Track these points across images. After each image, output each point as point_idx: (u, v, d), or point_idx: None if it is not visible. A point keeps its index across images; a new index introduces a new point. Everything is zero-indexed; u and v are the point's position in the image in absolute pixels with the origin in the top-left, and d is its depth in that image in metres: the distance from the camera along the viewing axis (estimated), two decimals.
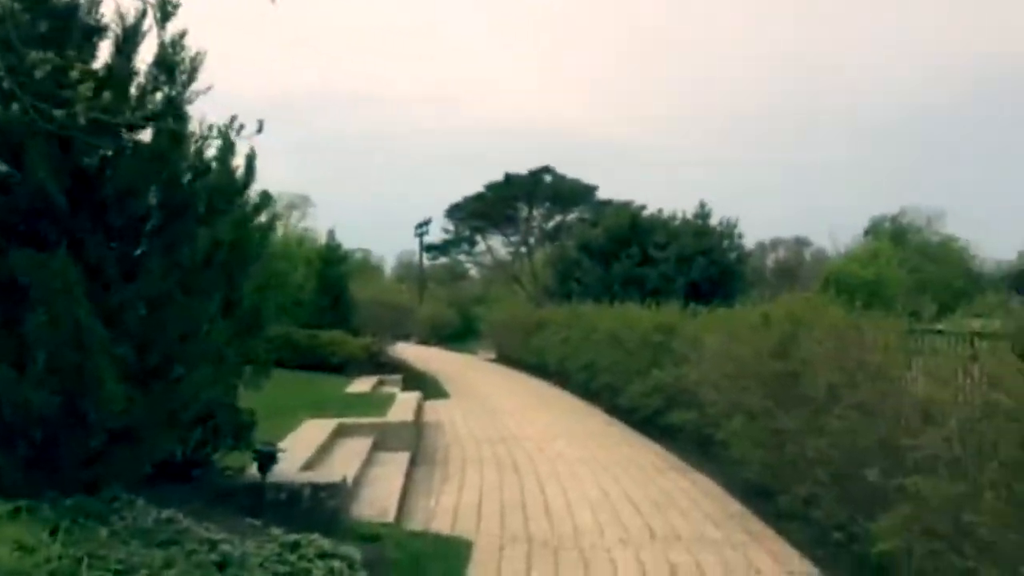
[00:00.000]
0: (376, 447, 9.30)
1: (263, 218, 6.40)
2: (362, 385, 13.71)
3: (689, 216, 23.45)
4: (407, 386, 16.21)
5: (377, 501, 6.96)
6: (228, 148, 5.55)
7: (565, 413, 13.81)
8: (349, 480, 7.14)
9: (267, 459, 6.13)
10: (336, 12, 76.47)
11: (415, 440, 9.88)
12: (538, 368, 19.89)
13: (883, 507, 4.92)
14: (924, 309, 6.79)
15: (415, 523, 6.78)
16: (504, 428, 12.19)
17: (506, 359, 23.81)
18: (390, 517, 6.51)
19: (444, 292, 43.68)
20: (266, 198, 15.23)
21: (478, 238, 42.65)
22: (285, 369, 15.18)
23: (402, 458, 8.91)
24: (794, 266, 57.80)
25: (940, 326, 6.96)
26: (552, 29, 79.35)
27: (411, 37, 79.00)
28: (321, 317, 16.35)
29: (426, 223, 39.98)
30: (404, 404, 10.80)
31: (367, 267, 61.99)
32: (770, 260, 62.42)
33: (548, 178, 39.59)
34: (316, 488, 6.11)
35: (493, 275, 44.15)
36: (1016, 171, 66.77)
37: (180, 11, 4.80)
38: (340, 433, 9.26)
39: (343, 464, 7.77)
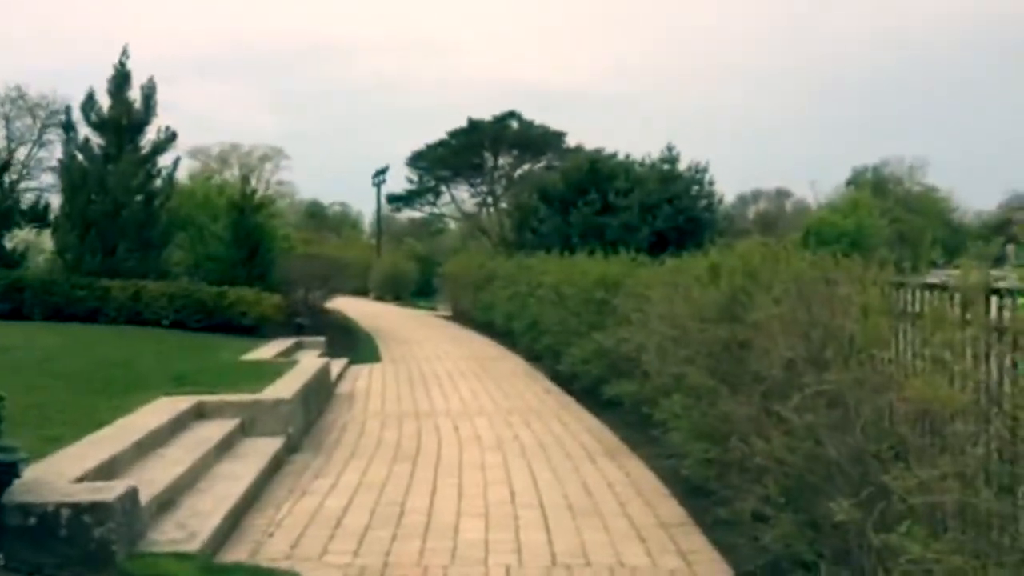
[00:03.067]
0: (245, 432, 7.59)
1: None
2: (270, 350, 11.95)
3: (655, 160, 21.59)
4: (334, 350, 14.48)
5: (195, 517, 5.24)
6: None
7: (501, 380, 12.13)
8: (165, 485, 5.44)
9: (3, 472, 4.38)
10: None
11: (299, 421, 8.16)
12: (487, 327, 18.21)
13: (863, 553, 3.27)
14: (906, 260, 5.09)
15: (240, 548, 5.07)
16: (425, 400, 10.51)
17: (461, 316, 22.11)
18: (197, 543, 4.79)
19: (421, 247, 41.60)
20: (167, 139, 13.13)
21: (443, 188, 40.56)
22: (188, 331, 13.47)
23: (268, 447, 7.19)
24: (775, 218, 56.33)
25: (932, 279, 5.26)
26: None
27: None
28: (235, 272, 14.51)
29: (383, 171, 37.78)
30: (296, 375, 9.07)
31: (345, 221, 59.81)
32: (751, 212, 60.86)
33: (515, 124, 37.46)
34: (77, 510, 4.38)
35: (469, 229, 42.14)
36: (997, 119, 65.24)
37: None
38: (198, 414, 7.53)
39: (175, 461, 6.05)
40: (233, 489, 5.89)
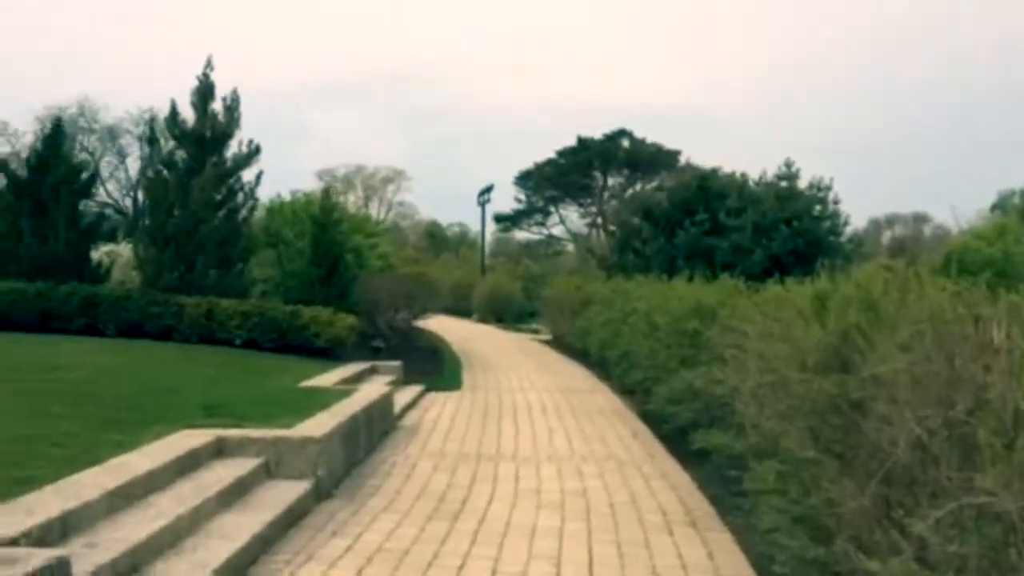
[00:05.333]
0: (270, 473, 6.67)
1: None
2: (335, 376, 11.11)
3: (772, 178, 19.84)
4: (414, 375, 13.59)
5: None
6: None
7: (585, 418, 10.88)
8: (128, 547, 4.51)
9: None
10: None
11: (337, 461, 7.19)
12: (582, 354, 16.97)
13: None
14: None
15: None
16: (493, 438, 9.39)
17: (559, 342, 20.94)
18: None
19: (538, 268, 40.63)
20: (251, 152, 12.59)
21: (552, 208, 39.56)
22: (260, 352, 12.84)
23: (288, 494, 6.22)
24: (911, 243, 52.57)
25: None
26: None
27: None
28: (313, 291, 13.85)
29: (487, 190, 37.05)
30: (341, 408, 8.13)
31: (463, 241, 59.75)
32: (885, 237, 57.02)
33: (626, 143, 36.14)
34: None
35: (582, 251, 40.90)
36: None
37: None
38: (217, 452, 6.65)
39: (159, 513, 5.13)
40: (221, 552, 4.92)
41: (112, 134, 38.38)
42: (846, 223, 20.29)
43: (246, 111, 14.06)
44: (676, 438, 8.73)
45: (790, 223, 18.63)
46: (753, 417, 5.63)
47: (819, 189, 19.74)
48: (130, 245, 16.15)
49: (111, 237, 17.70)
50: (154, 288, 13.61)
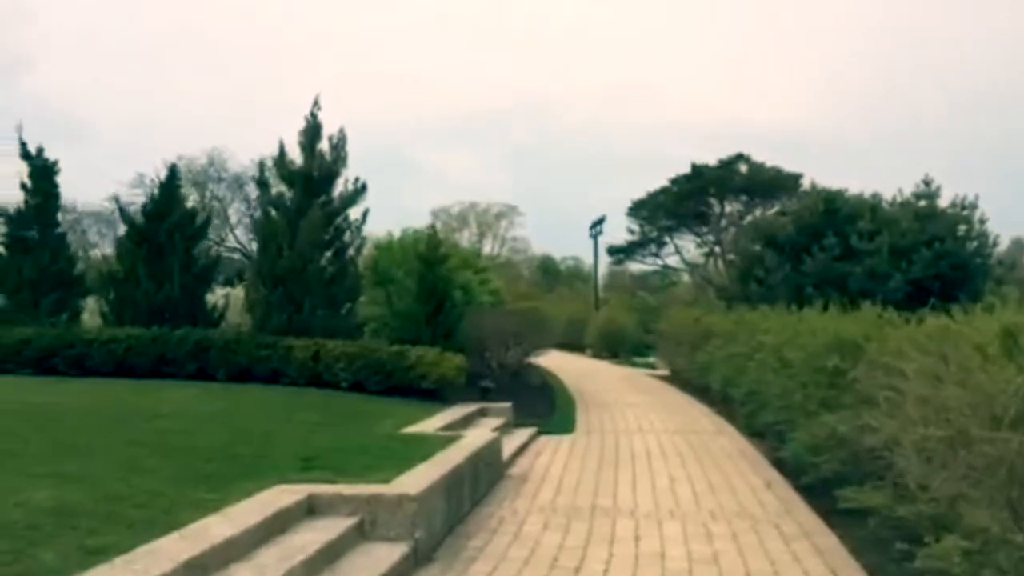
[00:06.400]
0: (364, 534, 6.11)
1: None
2: (439, 420, 10.56)
3: (908, 197, 18.30)
4: (525, 417, 12.94)
5: None
6: None
7: (711, 464, 9.94)
8: None
9: None
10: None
11: (437, 519, 6.57)
12: (703, 392, 15.93)
13: None
14: None
15: None
16: (610, 488, 8.59)
17: (677, 378, 19.89)
18: None
19: (653, 300, 39.57)
20: (357, 191, 12.42)
21: (667, 238, 38.41)
22: (366, 394, 12.46)
23: (382, 559, 5.63)
24: None
25: None
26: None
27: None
28: (420, 330, 13.44)
29: (599, 222, 36.24)
30: (442, 460, 7.53)
31: (578, 275, 59.17)
32: None
33: (743, 168, 34.76)
34: None
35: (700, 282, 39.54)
36: None
37: None
38: (309, 511, 6.14)
39: None
40: None
41: (239, 182, 39.86)
42: (995, 244, 18.51)
43: (362, 152, 14.02)
44: (818, 491, 7.74)
45: (931, 245, 17.09)
46: (921, 476, 4.71)
47: (963, 207, 18.09)
48: (244, 287, 16.23)
49: (230, 281, 17.91)
50: (263, 330, 13.50)
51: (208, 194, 42.75)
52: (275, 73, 58.34)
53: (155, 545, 4.82)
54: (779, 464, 9.36)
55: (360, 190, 14.28)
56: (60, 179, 15.51)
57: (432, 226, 14.93)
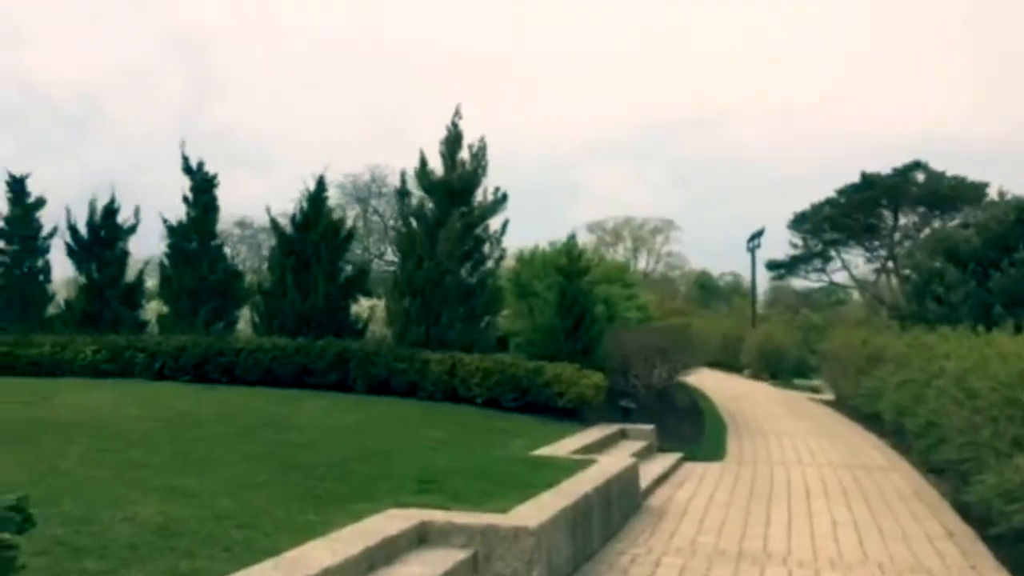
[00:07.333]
0: (478, 569, 5.56)
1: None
2: (575, 442, 9.91)
3: None
4: (670, 440, 12.11)
5: None
6: None
7: (880, 507, 8.76)
8: None
9: None
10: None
11: (559, 556, 5.94)
12: (872, 420, 14.46)
13: None
14: None
15: None
16: (760, 530, 7.66)
17: (843, 404, 18.30)
18: None
19: (819, 319, 37.33)
20: (497, 201, 12.11)
21: (832, 253, 36.05)
22: (500, 411, 12.00)
23: None
24: None
25: None
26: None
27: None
28: (559, 345, 12.86)
29: (757, 235, 34.36)
30: (567, 488, 6.89)
31: (737, 291, 57.08)
32: None
33: (920, 177, 32.10)
34: None
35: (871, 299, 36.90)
36: None
37: None
38: (420, 539, 5.66)
39: None
40: None
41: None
42: None
43: (523, 171, 13.71)
44: (1011, 544, 6.56)
45: None
46: None
47: None
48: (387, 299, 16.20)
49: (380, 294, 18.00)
50: (402, 342, 13.33)
51: (370, 209, 44.19)
52: (438, 92, 59.85)
53: (247, 573, 4.47)
54: (962, 509, 8.11)
55: (500, 200, 13.91)
56: (238, 199, 16.02)
57: (572, 236, 14.33)
